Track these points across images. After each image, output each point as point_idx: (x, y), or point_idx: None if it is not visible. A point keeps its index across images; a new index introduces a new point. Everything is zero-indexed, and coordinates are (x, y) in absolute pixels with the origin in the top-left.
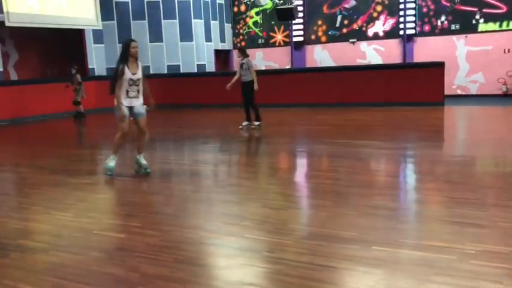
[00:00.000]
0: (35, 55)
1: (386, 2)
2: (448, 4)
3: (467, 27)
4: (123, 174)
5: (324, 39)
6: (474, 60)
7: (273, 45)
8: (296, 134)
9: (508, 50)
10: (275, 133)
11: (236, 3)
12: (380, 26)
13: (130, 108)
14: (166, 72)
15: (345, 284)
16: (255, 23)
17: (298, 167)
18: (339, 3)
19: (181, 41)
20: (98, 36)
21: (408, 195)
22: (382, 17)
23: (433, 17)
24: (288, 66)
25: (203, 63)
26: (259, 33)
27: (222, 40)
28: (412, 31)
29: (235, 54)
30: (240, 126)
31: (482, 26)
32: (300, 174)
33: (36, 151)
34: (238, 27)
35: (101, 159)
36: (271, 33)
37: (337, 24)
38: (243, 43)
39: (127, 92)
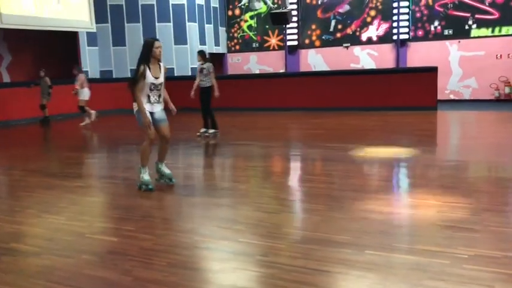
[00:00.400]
0: (28, 57)
1: (380, 7)
2: (441, 9)
3: (460, 32)
4: (116, 177)
5: (317, 43)
6: (467, 65)
7: (267, 49)
8: (290, 138)
9: (501, 56)
10: (269, 137)
11: (231, 7)
12: (373, 31)
13: (151, 114)
14: None
15: None
16: (250, 27)
17: (292, 170)
18: (332, 8)
19: (175, 44)
20: (92, 38)
21: (401, 199)
22: (375, 22)
23: (426, 22)
24: (282, 70)
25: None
26: (254, 37)
27: (217, 44)
28: (406, 36)
29: (229, 57)
30: (198, 134)
31: (474, 32)
32: (294, 178)
33: (28, 154)
34: (233, 30)
35: (93, 162)
36: (266, 37)
37: (331, 29)
38: (237, 47)
39: (148, 96)
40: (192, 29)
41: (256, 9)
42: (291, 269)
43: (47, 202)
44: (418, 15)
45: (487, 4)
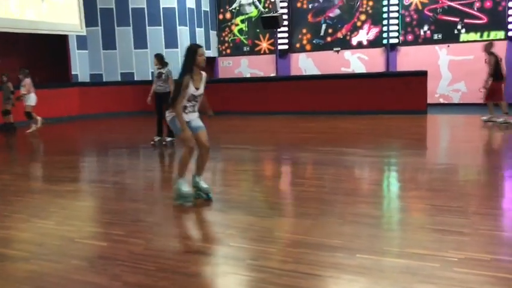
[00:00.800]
0: (17, 61)
1: (370, 12)
2: (431, 14)
3: (450, 37)
4: (105, 181)
5: (308, 47)
6: (456, 69)
7: (258, 53)
8: (281, 142)
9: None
10: (260, 141)
11: (221, 10)
12: (364, 35)
13: (187, 122)
14: (151, 79)
15: None
16: (240, 31)
17: (283, 174)
18: (323, 12)
19: (166, 47)
20: (82, 42)
21: (392, 203)
22: (365, 26)
23: (416, 26)
24: (272, 74)
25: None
26: (245, 41)
27: (208, 47)
28: (396, 40)
29: (220, 61)
30: (152, 142)
31: (464, 36)
32: (285, 182)
33: (17, 158)
34: (224, 34)
35: (83, 167)
36: (257, 41)
37: (322, 33)
38: (228, 50)
39: (184, 107)
40: (182, 32)
41: (247, 13)
42: (281, 273)
43: (36, 207)
44: (407, 19)
45: (475, 9)
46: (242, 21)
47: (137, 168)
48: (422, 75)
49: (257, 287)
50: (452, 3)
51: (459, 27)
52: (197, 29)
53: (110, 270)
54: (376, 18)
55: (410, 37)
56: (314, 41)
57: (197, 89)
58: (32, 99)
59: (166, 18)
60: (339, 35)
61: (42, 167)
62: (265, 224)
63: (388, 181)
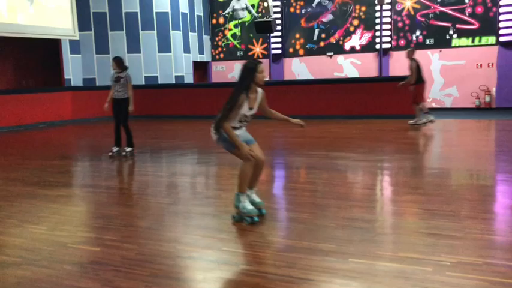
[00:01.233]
0: (9, 65)
1: (363, 17)
2: (423, 19)
3: (441, 42)
4: (98, 186)
5: (301, 52)
6: (448, 74)
7: (252, 57)
8: (274, 146)
9: (481, 65)
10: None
11: (215, 15)
12: (357, 40)
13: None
14: (144, 83)
15: None
16: (234, 35)
17: (275, 179)
18: (316, 17)
19: (159, 52)
20: (75, 46)
21: (385, 207)
22: (358, 31)
23: (408, 31)
24: (266, 79)
25: (181, 74)
26: (238, 46)
27: (201, 52)
28: (388, 45)
29: (213, 66)
30: (110, 153)
31: (455, 41)
32: (278, 186)
33: (9, 162)
34: (217, 39)
35: (75, 171)
36: (250, 46)
37: (315, 38)
38: (221, 55)
39: (233, 127)
40: (176, 37)
41: (240, 18)
42: (275, 277)
43: (27, 212)
44: (400, 25)
45: (467, 14)
46: (235, 26)
47: (130, 172)
48: None
49: None
50: (444, 9)
51: (451, 32)
52: (190, 34)
53: (102, 276)
54: (368, 23)
55: (402, 42)
56: (307, 46)
57: (251, 108)
58: None
59: (159, 22)
60: (332, 40)
61: (34, 171)
62: (258, 229)
63: (381, 185)
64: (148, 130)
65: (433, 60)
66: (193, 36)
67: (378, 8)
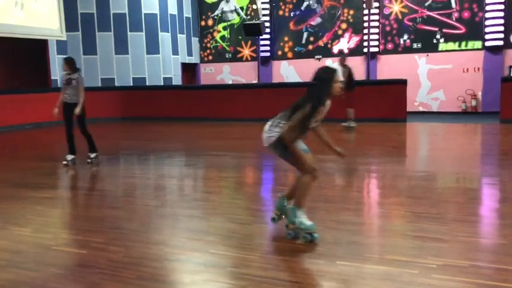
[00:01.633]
0: None
1: (351, 20)
2: (410, 24)
3: (429, 46)
4: (84, 188)
5: (290, 55)
6: (435, 78)
7: (240, 59)
8: (262, 148)
9: (467, 69)
10: (241, 147)
11: (203, 17)
12: (345, 44)
13: None
14: (132, 84)
15: None
16: (223, 38)
17: (264, 181)
18: (305, 20)
19: (147, 53)
20: (62, 47)
21: (372, 209)
22: (346, 35)
23: (395, 35)
24: (255, 81)
25: (170, 76)
26: (227, 48)
27: (189, 54)
28: (376, 49)
29: (202, 68)
30: (64, 162)
31: (442, 46)
32: (266, 189)
33: None
34: (206, 41)
35: (61, 173)
36: (239, 48)
37: (303, 41)
38: (210, 57)
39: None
40: (164, 38)
41: (229, 20)
42: (262, 280)
43: (13, 213)
44: (387, 29)
45: (454, 19)
46: (224, 28)
47: (117, 174)
48: (402, 83)
49: None
50: (431, 13)
51: (438, 36)
52: (179, 35)
53: (88, 278)
54: (356, 27)
55: (390, 46)
56: (296, 49)
57: (316, 122)
58: None
59: (147, 24)
60: (320, 43)
61: (20, 173)
62: (246, 231)
63: (369, 188)
64: (136, 132)
65: (420, 64)
66: (181, 38)
67: (366, 12)
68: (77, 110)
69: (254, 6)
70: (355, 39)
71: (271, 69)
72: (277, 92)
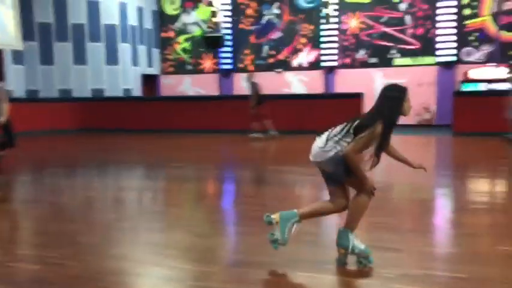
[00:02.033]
0: None
1: (310, 35)
2: (367, 39)
3: (384, 61)
4: (40, 201)
5: (251, 68)
6: None
7: (202, 72)
8: (223, 160)
9: (421, 84)
10: (203, 159)
11: (164, 29)
12: (304, 58)
13: None
14: (90, 95)
15: None
16: (184, 49)
17: (225, 193)
18: (265, 34)
19: (107, 64)
20: (18, 57)
21: (331, 220)
22: (306, 49)
23: (353, 50)
24: (216, 93)
25: (129, 87)
26: (188, 60)
27: (150, 65)
28: (334, 63)
29: (162, 79)
30: None
31: (397, 61)
32: (227, 201)
33: None
34: (167, 52)
35: (16, 186)
36: (200, 60)
37: (264, 54)
38: (171, 69)
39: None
40: (124, 49)
41: (190, 32)
42: None
43: None
44: (345, 43)
45: (408, 35)
46: (186, 40)
47: (75, 187)
48: (358, 97)
49: None
50: (387, 29)
51: (393, 52)
52: (139, 47)
53: None
54: (315, 41)
55: (347, 60)
56: (257, 62)
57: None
58: None
59: (107, 34)
60: (281, 56)
61: None
62: (207, 244)
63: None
64: (94, 143)
65: (376, 79)
66: (142, 49)
67: (323, 27)
68: (2, 119)
69: (214, 19)
70: (314, 53)
71: (232, 82)
72: (238, 104)
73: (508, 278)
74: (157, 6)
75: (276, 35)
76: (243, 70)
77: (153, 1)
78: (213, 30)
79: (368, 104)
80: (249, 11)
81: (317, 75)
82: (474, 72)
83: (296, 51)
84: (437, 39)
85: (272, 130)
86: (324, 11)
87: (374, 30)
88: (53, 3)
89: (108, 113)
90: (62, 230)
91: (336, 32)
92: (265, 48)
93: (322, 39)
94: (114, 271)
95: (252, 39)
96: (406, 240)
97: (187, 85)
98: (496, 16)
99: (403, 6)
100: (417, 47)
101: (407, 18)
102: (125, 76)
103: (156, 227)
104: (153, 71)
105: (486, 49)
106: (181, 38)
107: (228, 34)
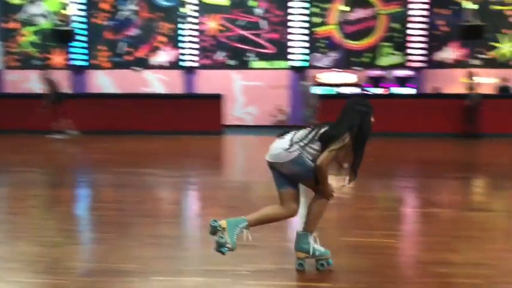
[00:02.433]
0: None
1: (170, 34)
2: (226, 41)
3: (242, 63)
4: None
5: (107, 65)
6: (248, 93)
7: (51, 67)
8: (76, 164)
9: (276, 87)
10: (53, 162)
11: (7, 19)
12: (164, 57)
13: None
14: None
15: None
16: (31, 43)
17: (78, 198)
18: (121, 30)
19: None
20: None
21: (190, 222)
22: (165, 48)
23: (212, 51)
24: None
25: None
26: (35, 54)
27: None
28: (194, 63)
29: (7, 74)
30: None
31: (254, 64)
32: (81, 207)
33: None
34: (11, 45)
35: None
36: (49, 55)
37: (121, 51)
38: (16, 63)
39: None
40: None
41: (37, 24)
42: None
43: None
44: (204, 44)
45: (264, 39)
46: (34, 33)
47: None
48: (217, 98)
49: None
50: (244, 33)
51: (251, 55)
52: None
53: None
54: (175, 40)
55: (207, 61)
56: (113, 59)
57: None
58: None
59: None
60: (139, 54)
61: None
62: (55, 254)
63: (187, 200)
64: None
65: (234, 80)
66: None
67: (183, 26)
68: None
69: (64, 12)
70: (174, 53)
71: (86, 79)
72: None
73: (353, 265)
74: None
75: (133, 32)
76: (98, 67)
77: None
78: (63, 24)
79: (228, 105)
80: (105, 6)
81: (177, 74)
82: (322, 77)
83: (155, 50)
84: (290, 44)
85: (72, 130)
86: (182, 10)
87: (232, 32)
88: None
89: None
90: None
91: (195, 33)
92: (122, 44)
93: (181, 38)
94: None
95: (108, 35)
96: (262, 236)
97: (35, 81)
98: (341, 25)
99: (259, 11)
100: (272, 51)
101: (263, 23)
102: None
103: None
104: None
105: (333, 55)
106: (27, 30)
107: (81, 28)
